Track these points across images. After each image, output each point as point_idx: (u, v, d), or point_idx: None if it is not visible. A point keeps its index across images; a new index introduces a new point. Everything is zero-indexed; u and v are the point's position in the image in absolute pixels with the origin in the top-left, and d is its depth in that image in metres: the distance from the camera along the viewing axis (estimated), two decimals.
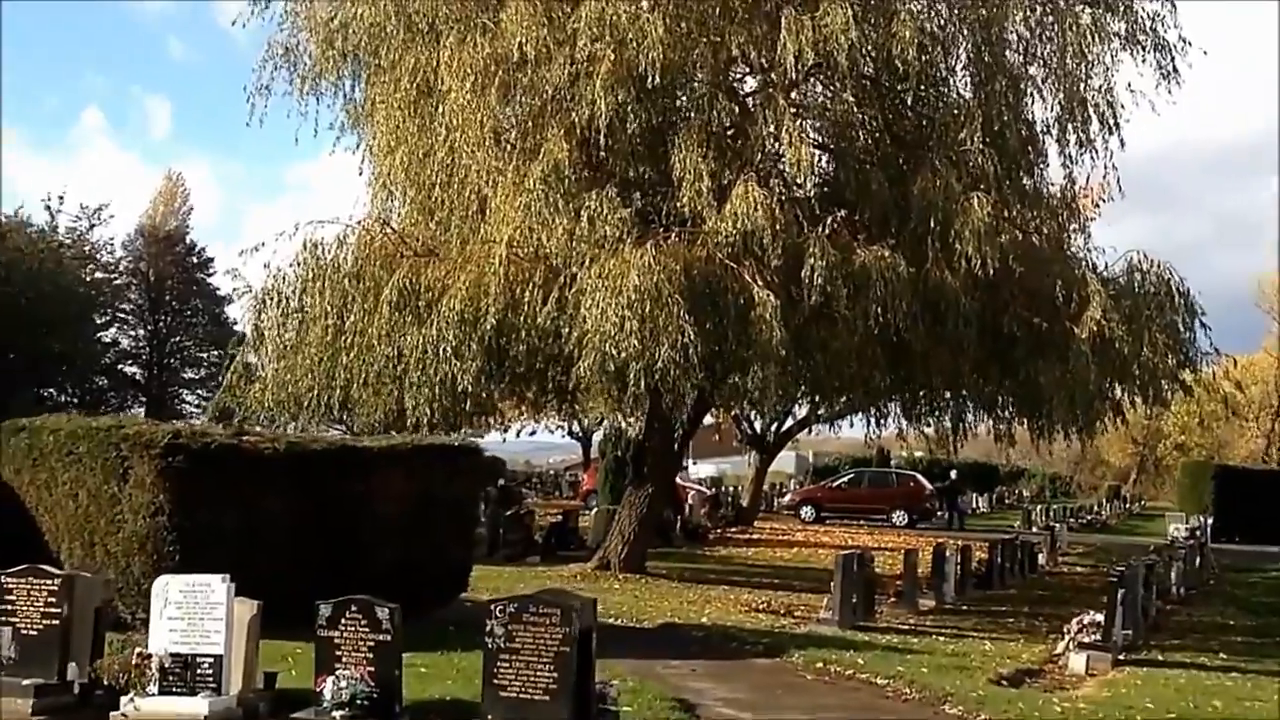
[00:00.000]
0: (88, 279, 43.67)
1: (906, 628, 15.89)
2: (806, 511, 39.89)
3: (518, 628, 7.81)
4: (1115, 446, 71.03)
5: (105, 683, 8.32)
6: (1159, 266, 18.37)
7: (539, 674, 7.73)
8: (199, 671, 8.05)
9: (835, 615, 15.52)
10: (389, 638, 7.89)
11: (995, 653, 14.06)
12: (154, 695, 8.01)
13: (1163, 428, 60.07)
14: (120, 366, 50.11)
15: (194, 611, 8.15)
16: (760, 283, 15.39)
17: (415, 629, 11.71)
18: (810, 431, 36.06)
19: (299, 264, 17.07)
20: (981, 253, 16.15)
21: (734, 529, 33.34)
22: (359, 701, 7.68)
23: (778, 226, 15.67)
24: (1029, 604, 19.71)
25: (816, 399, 25.38)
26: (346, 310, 16.70)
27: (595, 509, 28.00)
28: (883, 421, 24.56)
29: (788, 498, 45.84)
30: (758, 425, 34.83)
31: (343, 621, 7.98)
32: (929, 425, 23.04)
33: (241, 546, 11.30)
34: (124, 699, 8.01)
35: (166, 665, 8.04)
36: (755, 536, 32.21)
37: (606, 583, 19.47)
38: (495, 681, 7.82)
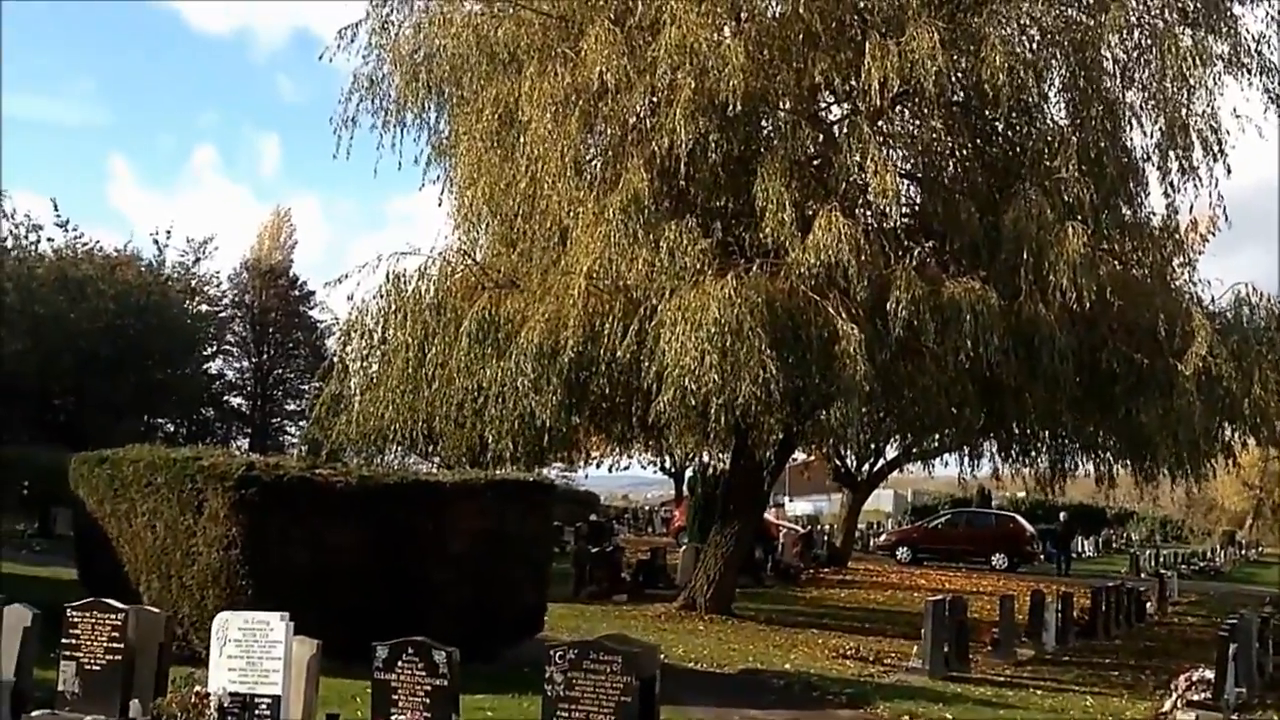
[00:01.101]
0: (193, 311, 44.72)
1: (1001, 679, 15.15)
2: (902, 552, 38.90)
3: (577, 675, 7.50)
4: (1229, 489, 68.05)
5: None
6: (1269, 300, 17.51)
7: None
8: (257, 712, 7.88)
9: (925, 664, 14.90)
10: (445, 682, 7.62)
11: (1096, 708, 13.27)
12: None
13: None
14: (226, 398, 51.24)
15: (252, 650, 8.00)
16: (844, 316, 14.95)
17: (486, 670, 11.56)
18: (906, 470, 35.33)
19: (381, 295, 17.15)
20: (1077, 285, 15.53)
21: (826, 569, 32.58)
22: None
23: (863, 258, 15.25)
24: (1134, 656, 18.76)
25: (908, 437, 24.74)
26: (428, 342, 16.67)
27: (684, 546, 27.60)
28: (978, 461, 23.99)
29: (883, 538, 44.81)
30: (850, 462, 34.10)
31: (399, 664, 7.74)
32: (1027, 465, 22.37)
33: (312, 582, 11.26)
34: None
35: (225, 705, 7.89)
36: (848, 578, 31.46)
37: (691, 624, 19.08)
38: None
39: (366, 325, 17.42)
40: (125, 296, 38.26)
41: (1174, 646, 20.47)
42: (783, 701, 12.51)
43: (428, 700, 7.58)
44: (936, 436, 22.84)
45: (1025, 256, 15.99)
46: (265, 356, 52.45)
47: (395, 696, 7.65)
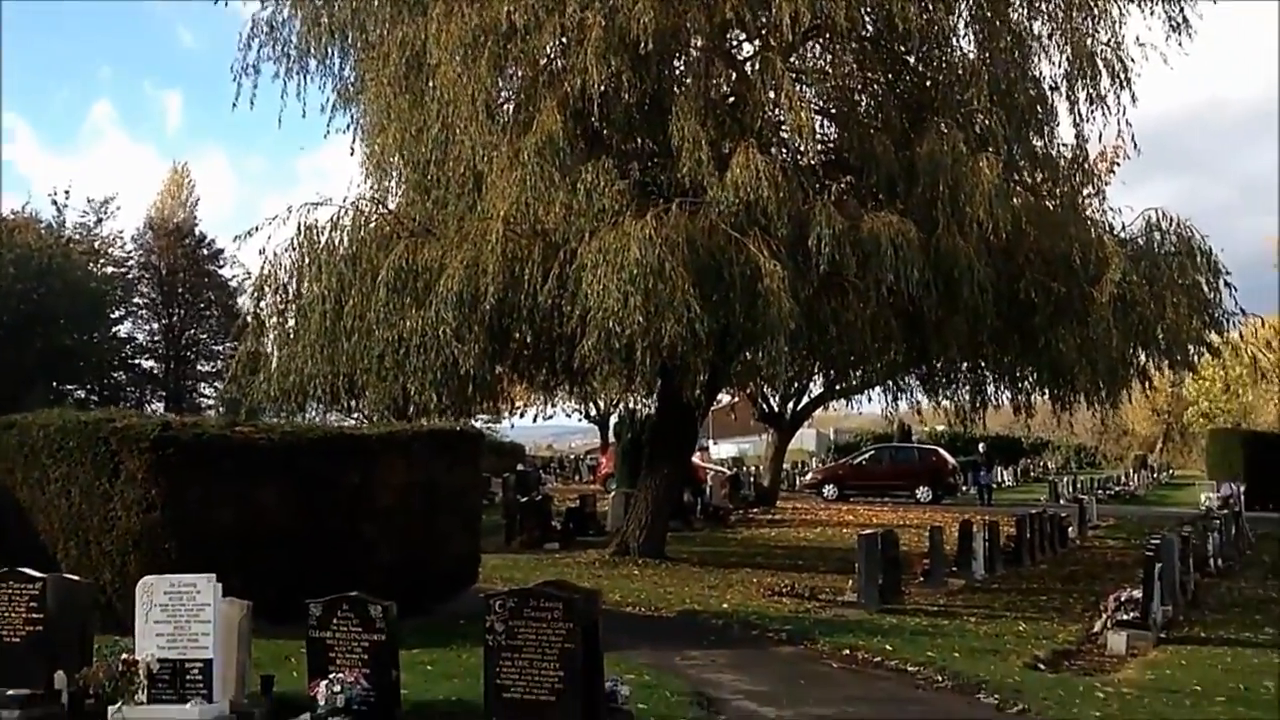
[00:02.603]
0: (97, 273, 43.47)
1: (935, 608, 15.33)
2: (829, 490, 39.31)
3: (519, 624, 7.34)
4: (1140, 416, 70.10)
5: (92, 691, 7.89)
6: (1179, 224, 17.85)
7: (544, 673, 7.25)
8: (189, 678, 7.62)
9: (861, 598, 15.06)
10: (384, 637, 7.44)
11: (1030, 633, 13.51)
12: (143, 704, 7.60)
13: (1187, 395, 58.99)
14: (137, 361, 50.02)
15: (180, 614, 7.70)
16: (766, 253, 14.88)
17: (423, 624, 11.42)
18: (829, 408, 35.64)
19: (294, 249, 16.69)
20: (994, 216, 15.70)
21: (755, 510, 32.82)
22: (355, 706, 7.23)
23: (782, 194, 15.20)
24: (1061, 580, 19.10)
25: (832, 374, 24.89)
26: (344, 294, 16.29)
27: (613, 493, 27.59)
28: (901, 396, 24.27)
29: (809, 476, 45.27)
30: (774, 403, 34.29)
31: (335, 621, 7.53)
32: (948, 399, 22.65)
33: (238, 542, 10.99)
34: (111, 709, 7.60)
35: (155, 671, 7.61)
36: (777, 517, 31.69)
37: (625, 569, 19.06)
38: (498, 682, 7.36)
39: (280, 280, 16.98)
40: (25, 260, 37.07)
41: (1097, 569, 20.91)
42: (723, 641, 12.50)
43: (365, 656, 7.40)
44: (860, 373, 22.96)
45: (941, 189, 16.07)
46: (175, 318, 51.20)
47: (332, 654, 7.46)
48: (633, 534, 20.37)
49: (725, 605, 14.98)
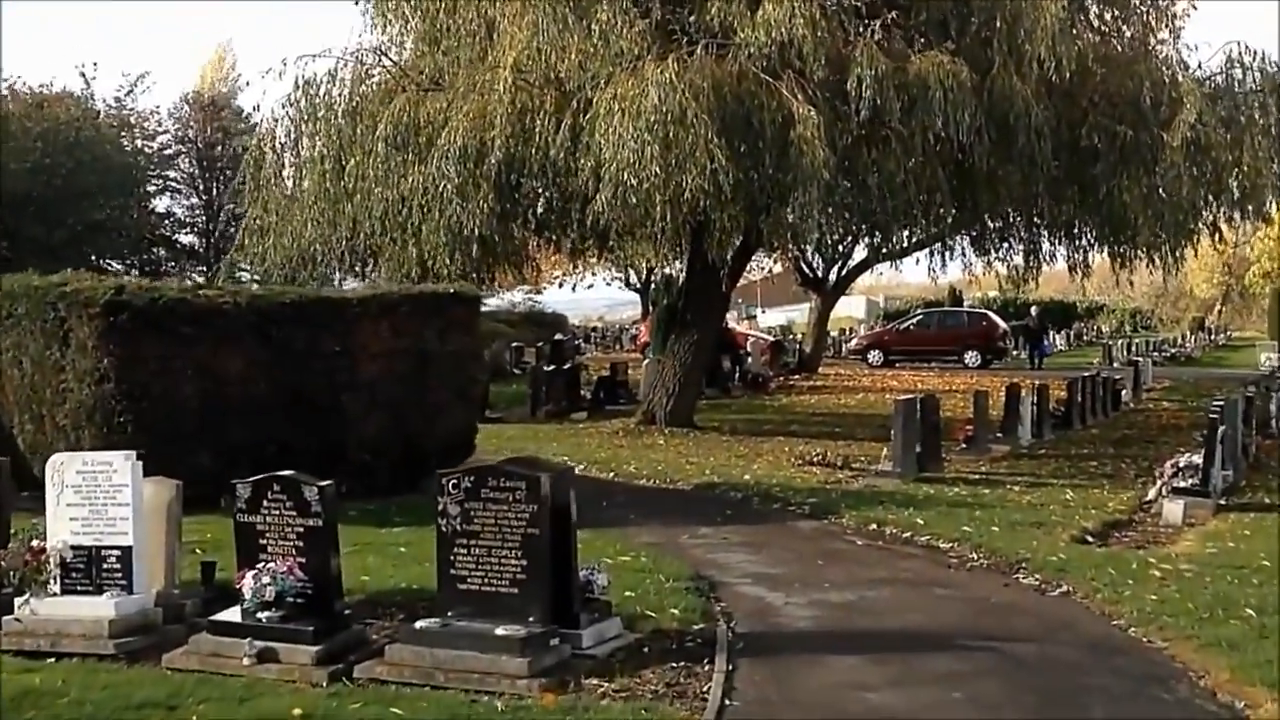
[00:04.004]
0: (130, 148, 42.65)
1: (977, 476, 14.26)
2: (874, 356, 38.17)
3: (475, 506, 6.36)
4: (1199, 277, 67.92)
5: (4, 581, 7.04)
6: (1263, 60, 16.09)
7: (504, 562, 6.31)
8: (105, 566, 6.74)
9: (896, 466, 14.04)
10: (320, 522, 6.44)
11: (1078, 502, 12.37)
12: (56, 595, 6.78)
13: (1249, 254, 56.79)
14: (175, 236, 49.51)
15: (95, 496, 6.77)
16: (800, 98, 13.56)
17: (413, 502, 10.59)
18: (877, 274, 34.30)
19: (291, 104, 15.54)
20: (1055, 54, 14.26)
21: (796, 376, 31.85)
22: (289, 599, 6.33)
23: (819, 33, 13.83)
24: (1113, 444, 17.93)
25: (877, 236, 23.52)
26: (345, 153, 15.20)
27: (647, 361, 26.67)
28: (950, 257, 22.97)
29: (854, 342, 44.12)
30: (816, 266, 32.95)
31: (265, 504, 6.51)
32: (1000, 260, 21.40)
33: (203, 416, 10.15)
34: (18, 600, 6.77)
35: (67, 559, 6.76)
36: (818, 384, 30.67)
37: (649, 439, 18.18)
38: (453, 572, 6.43)
39: (279, 139, 15.85)
40: (53, 134, 36.23)
41: (1151, 433, 19.79)
42: (739, 516, 11.56)
43: (300, 544, 6.43)
44: (905, 233, 21.61)
45: (998, 26, 14.66)
46: (215, 193, 50.47)
47: (263, 541, 6.52)
48: (660, 402, 19.42)
49: (749, 477, 13.93)
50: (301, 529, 6.43)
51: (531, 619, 6.15)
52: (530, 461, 6.90)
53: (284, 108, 15.62)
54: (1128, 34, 17.67)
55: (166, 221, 48.20)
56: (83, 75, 41.08)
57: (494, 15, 15.11)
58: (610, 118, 13.21)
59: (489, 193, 14.28)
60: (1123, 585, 8.27)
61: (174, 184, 49.28)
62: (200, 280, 26.75)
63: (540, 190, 15.06)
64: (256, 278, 17.97)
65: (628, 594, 7.63)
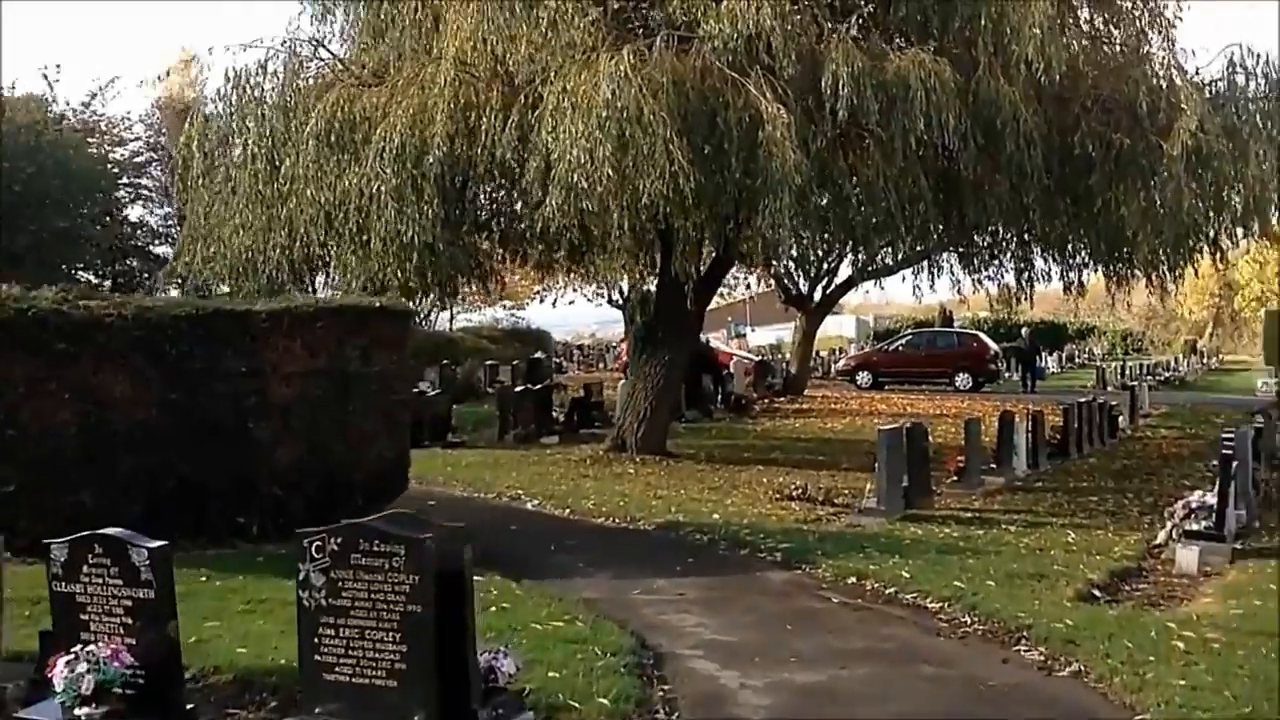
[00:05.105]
0: (96, 154, 41.42)
1: (969, 514, 13.04)
2: (863, 377, 37.05)
3: (344, 575, 5.03)
4: (1191, 300, 67.07)
5: None
6: (1267, 63, 14.98)
7: (380, 647, 4.99)
8: None
9: (881, 503, 12.79)
10: (151, 593, 5.09)
11: (1080, 545, 11.18)
12: None
13: (1238, 277, 55.89)
14: (149, 246, 48.28)
15: None
16: (769, 96, 12.38)
17: None
18: (866, 294, 33.20)
19: (221, 99, 14.34)
20: (1045, 55, 13.15)
21: (782, 398, 30.68)
22: (115, 690, 5.02)
23: (789, 27, 12.70)
24: (1113, 476, 16.76)
25: (860, 251, 22.40)
26: (277, 152, 13.97)
27: (623, 381, 25.47)
28: (937, 275, 21.98)
29: (842, 363, 42.94)
30: (799, 283, 31.79)
31: (85, 570, 5.18)
32: (990, 279, 20.43)
33: (85, 446, 8.92)
34: None
35: None
36: (804, 406, 29.51)
37: (619, 467, 17.00)
38: (318, 658, 5.10)
39: (208, 137, 14.64)
40: (12, 137, 35.01)
41: (1152, 463, 18.65)
42: (702, 565, 10.29)
43: (129, 621, 5.10)
44: (888, 248, 20.49)
45: (984, 24, 13.51)
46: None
47: (84, 616, 5.22)
48: (630, 427, 18.24)
49: (719, 515, 12.63)
50: (130, 601, 5.09)
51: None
52: (410, 521, 5.50)
53: (212, 103, 14.44)
54: (1119, 37, 16.60)
55: (139, 232, 47.04)
56: (45, 77, 39.84)
57: (440, 3, 13.97)
58: (560, 114, 12.02)
59: (434, 196, 13.07)
60: (1143, 663, 6.96)
61: (147, 193, 48.15)
62: (176, 294, 25.51)
63: (490, 194, 13.84)
64: (199, 288, 16.70)
65: (551, 675, 6.37)
